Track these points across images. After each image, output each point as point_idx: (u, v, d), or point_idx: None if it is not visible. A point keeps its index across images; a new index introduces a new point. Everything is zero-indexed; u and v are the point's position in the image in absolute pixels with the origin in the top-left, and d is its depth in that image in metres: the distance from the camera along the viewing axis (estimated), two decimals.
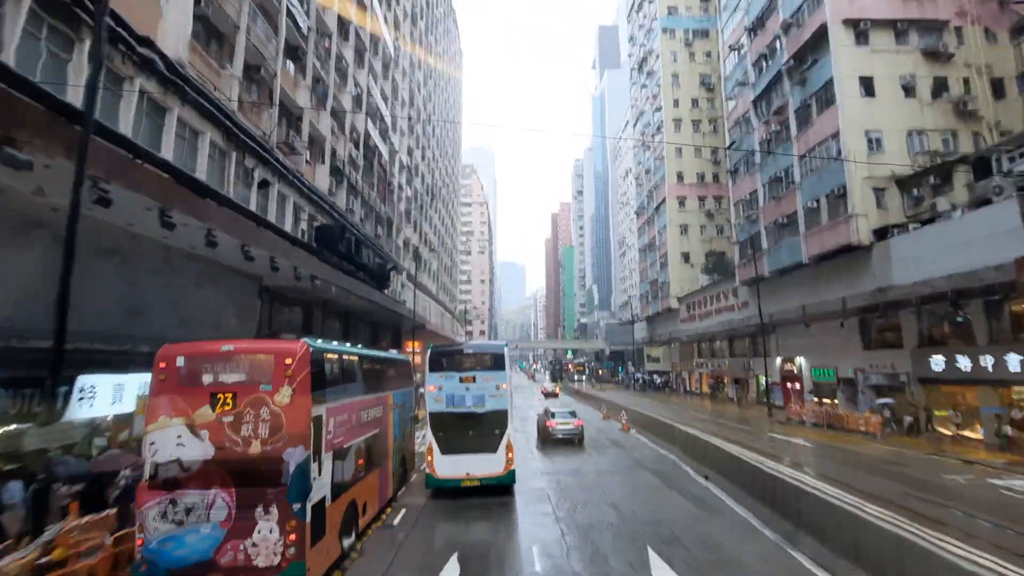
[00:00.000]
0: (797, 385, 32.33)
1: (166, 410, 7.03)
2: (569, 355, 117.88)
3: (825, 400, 29.29)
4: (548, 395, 50.69)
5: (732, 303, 39.36)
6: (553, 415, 21.85)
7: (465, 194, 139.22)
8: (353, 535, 9.10)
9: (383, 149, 33.89)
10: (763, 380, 37.06)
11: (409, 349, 36.29)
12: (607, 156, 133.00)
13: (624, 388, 66.16)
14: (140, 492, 6.92)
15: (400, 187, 39.50)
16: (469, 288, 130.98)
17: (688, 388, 51.66)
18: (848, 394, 26.97)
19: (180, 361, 7.26)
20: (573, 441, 20.82)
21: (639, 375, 65.80)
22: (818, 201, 27.01)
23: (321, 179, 23.19)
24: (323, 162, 23.46)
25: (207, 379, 7.17)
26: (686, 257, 51.32)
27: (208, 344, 7.54)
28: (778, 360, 32.72)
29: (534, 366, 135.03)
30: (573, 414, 22.05)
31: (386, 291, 31.03)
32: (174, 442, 6.93)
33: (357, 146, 28.78)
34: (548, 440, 21.06)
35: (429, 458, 12.58)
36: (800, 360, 31.58)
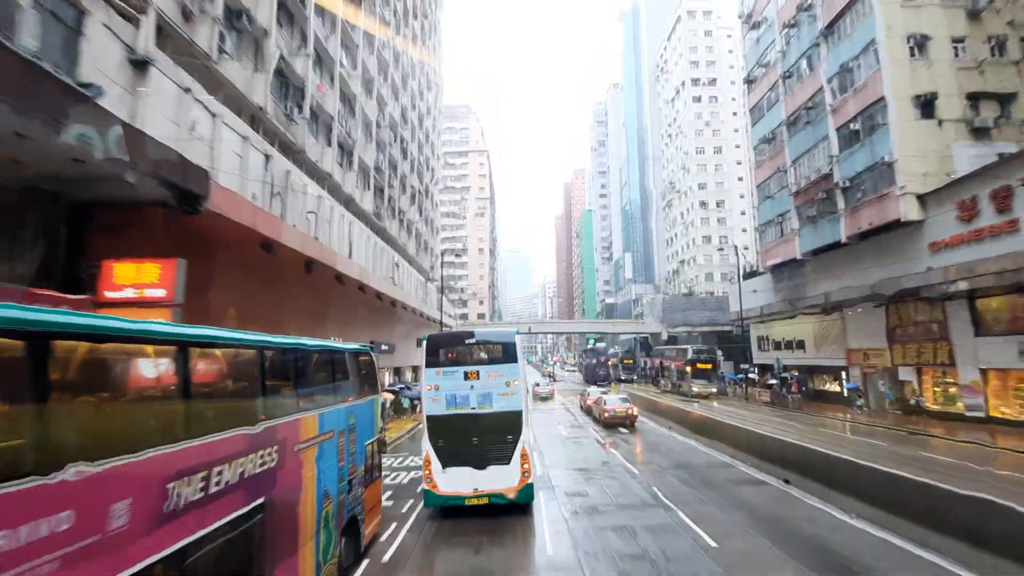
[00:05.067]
0: None
1: None
2: (591, 342, 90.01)
3: None
4: (615, 422, 22.56)
5: None
6: (538, 384, 34.18)
7: (460, 140, 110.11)
8: None
9: None
10: None
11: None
12: (642, 88, 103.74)
13: (725, 396, 37.47)
14: None
15: None
16: (464, 260, 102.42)
17: (914, 401, 23.07)
18: None
19: None
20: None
21: (749, 374, 37.28)
22: None
23: None
24: None
25: None
26: (926, 106, 22.61)
27: None
28: None
29: (553, 360, 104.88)
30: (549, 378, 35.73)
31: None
32: None
33: None
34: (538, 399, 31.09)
35: (427, 471, 10.13)
36: None
